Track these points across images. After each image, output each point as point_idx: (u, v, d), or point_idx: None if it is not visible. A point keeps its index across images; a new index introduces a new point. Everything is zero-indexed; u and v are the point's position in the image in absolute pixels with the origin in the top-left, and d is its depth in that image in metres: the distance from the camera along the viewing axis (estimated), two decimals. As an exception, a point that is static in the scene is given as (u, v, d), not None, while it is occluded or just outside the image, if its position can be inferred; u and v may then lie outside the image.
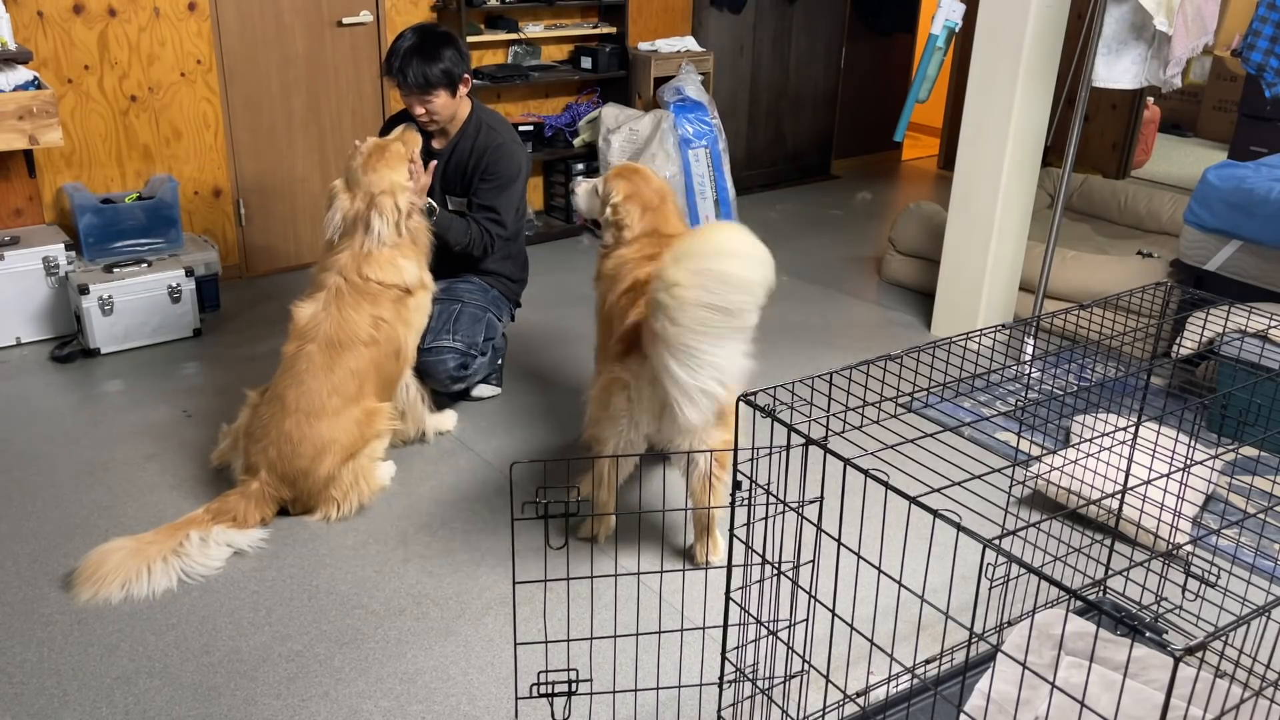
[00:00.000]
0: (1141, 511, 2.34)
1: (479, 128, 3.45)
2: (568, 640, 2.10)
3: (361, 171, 3.04)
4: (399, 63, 3.27)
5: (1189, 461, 2.44)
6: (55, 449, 3.28)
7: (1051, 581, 1.34)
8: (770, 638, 2.29)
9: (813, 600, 1.79)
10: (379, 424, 3.00)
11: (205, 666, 2.36)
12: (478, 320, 3.41)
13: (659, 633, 2.22)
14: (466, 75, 3.36)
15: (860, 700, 2.16)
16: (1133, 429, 2.87)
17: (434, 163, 3.31)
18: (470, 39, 5.01)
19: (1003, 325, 2.40)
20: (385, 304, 3.01)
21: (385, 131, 3.53)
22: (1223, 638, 1.78)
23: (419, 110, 3.33)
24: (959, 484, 1.58)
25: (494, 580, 2.70)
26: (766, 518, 1.68)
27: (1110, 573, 2.57)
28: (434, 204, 3.27)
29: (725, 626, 1.92)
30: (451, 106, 3.37)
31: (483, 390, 3.66)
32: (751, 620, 1.97)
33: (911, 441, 1.62)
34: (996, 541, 1.38)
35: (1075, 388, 3.73)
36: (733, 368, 2.25)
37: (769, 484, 2.63)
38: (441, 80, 3.28)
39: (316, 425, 2.86)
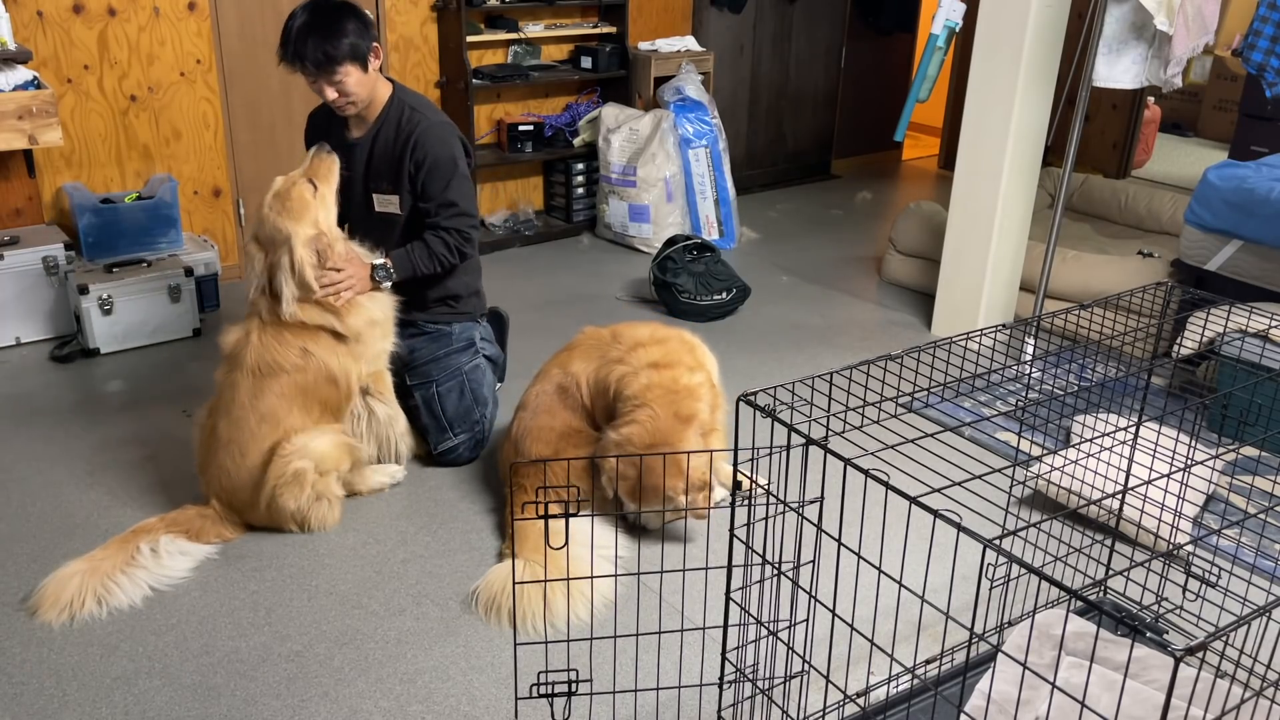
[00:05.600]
0: (1142, 511, 2.34)
1: (401, 110, 3.11)
2: (568, 640, 2.10)
3: (264, 222, 2.80)
4: (294, 45, 2.90)
5: (1189, 461, 2.44)
6: (55, 449, 3.28)
7: (1052, 581, 1.34)
8: (770, 638, 2.29)
9: (813, 600, 1.79)
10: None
11: (205, 666, 2.36)
12: (461, 394, 3.18)
13: (659, 633, 2.22)
14: (375, 45, 3.01)
15: (860, 700, 2.16)
16: (1133, 429, 2.87)
17: (343, 264, 2.87)
18: (470, 39, 5.01)
19: (1003, 325, 2.41)
20: (313, 338, 2.81)
21: (309, 132, 3.31)
22: (1223, 638, 1.78)
23: (331, 95, 2.98)
24: (959, 484, 1.58)
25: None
26: (767, 518, 1.68)
27: (1111, 573, 2.57)
28: (384, 264, 2.99)
29: (725, 626, 1.92)
30: (366, 84, 3.02)
31: None
32: (751, 620, 1.97)
33: (912, 441, 1.62)
34: (997, 542, 1.38)
35: (1075, 388, 3.73)
36: None
37: (769, 484, 2.63)
38: (347, 54, 2.91)
39: (250, 456, 2.76)
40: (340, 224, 3.34)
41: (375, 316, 2.94)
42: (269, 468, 2.74)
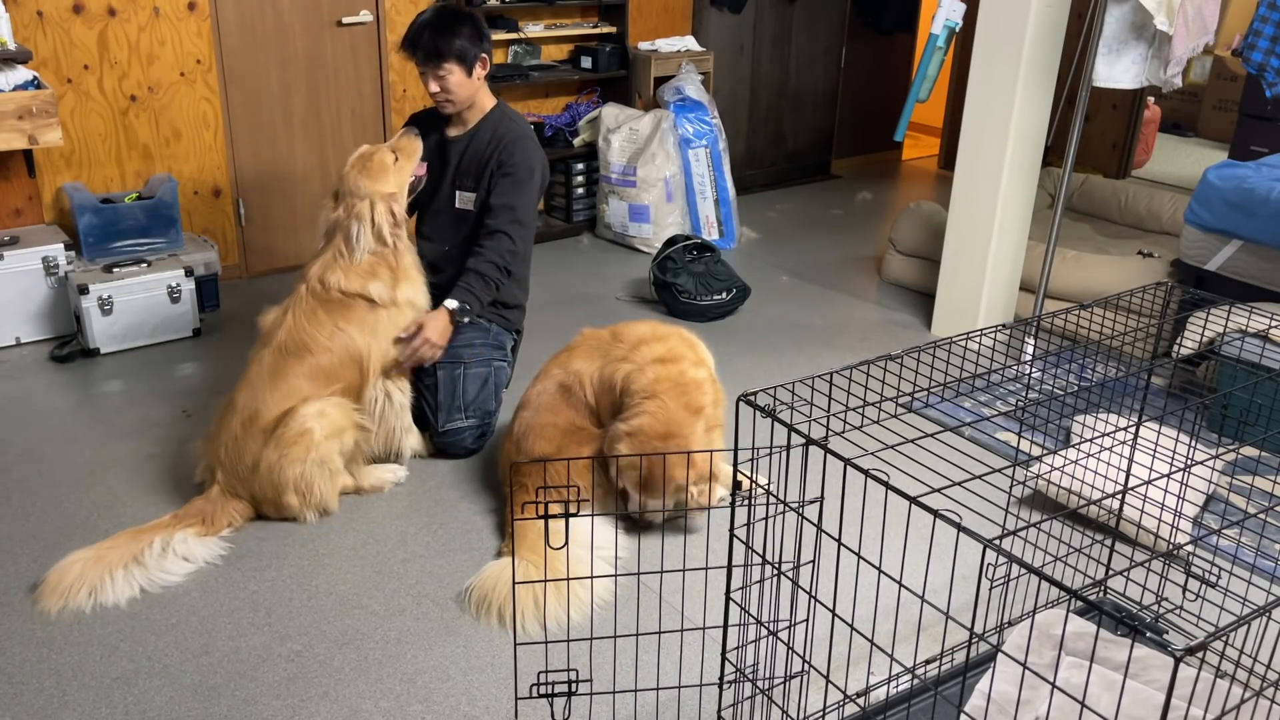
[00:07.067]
0: (1142, 512, 2.34)
1: (500, 120, 3.38)
2: (568, 640, 2.10)
3: (344, 180, 3.04)
4: (413, 34, 3.23)
5: (1189, 461, 2.44)
6: (55, 449, 3.28)
7: (1052, 581, 1.34)
8: (770, 638, 2.29)
9: (813, 600, 1.79)
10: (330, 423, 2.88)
11: (205, 666, 2.36)
12: (485, 383, 3.27)
13: (659, 633, 2.22)
14: (484, 56, 3.28)
15: (860, 700, 2.16)
16: (1133, 429, 2.87)
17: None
18: (470, 39, 5.01)
19: (1003, 325, 2.41)
20: (346, 312, 2.96)
21: (409, 124, 3.49)
22: (1223, 638, 1.78)
23: (433, 87, 3.25)
24: (959, 484, 1.58)
25: (494, 580, 2.69)
26: (767, 518, 1.68)
27: (1111, 573, 2.57)
28: (462, 307, 3.18)
29: (725, 626, 1.92)
30: (468, 87, 3.29)
31: None
32: (751, 620, 1.97)
33: (912, 441, 1.62)
34: (997, 541, 1.38)
35: (1075, 388, 3.73)
36: None
37: (769, 484, 2.63)
38: (454, 53, 3.20)
39: (260, 423, 2.84)
40: (419, 210, 3.56)
41: (416, 300, 3.10)
42: (276, 430, 2.81)
